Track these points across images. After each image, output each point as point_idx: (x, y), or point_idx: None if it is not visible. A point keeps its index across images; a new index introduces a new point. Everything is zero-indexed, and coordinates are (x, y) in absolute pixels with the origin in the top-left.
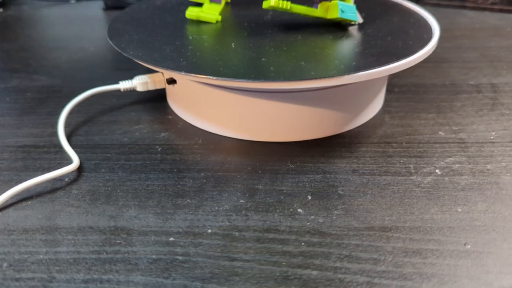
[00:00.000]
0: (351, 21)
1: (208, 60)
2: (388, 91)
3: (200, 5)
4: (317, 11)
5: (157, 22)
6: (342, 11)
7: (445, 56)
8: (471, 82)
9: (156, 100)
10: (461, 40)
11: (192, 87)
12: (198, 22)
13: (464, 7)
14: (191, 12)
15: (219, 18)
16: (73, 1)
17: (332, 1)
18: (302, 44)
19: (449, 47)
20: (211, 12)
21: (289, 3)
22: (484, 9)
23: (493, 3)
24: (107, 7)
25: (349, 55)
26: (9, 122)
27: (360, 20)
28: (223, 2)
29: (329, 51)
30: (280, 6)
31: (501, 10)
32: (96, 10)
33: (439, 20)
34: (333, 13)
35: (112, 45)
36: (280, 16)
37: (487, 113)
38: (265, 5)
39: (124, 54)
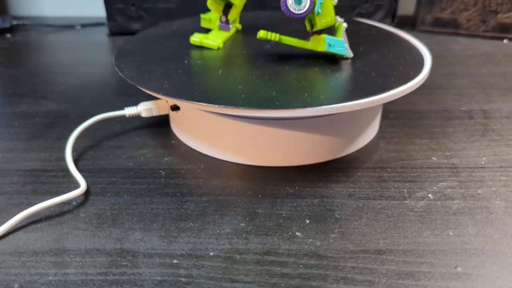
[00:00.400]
0: (341, 55)
1: (207, 88)
2: (384, 117)
3: (210, 30)
4: (308, 44)
5: (164, 49)
6: (330, 45)
7: (439, 82)
8: (464, 108)
9: (160, 125)
10: (454, 67)
11: (195, 114)
12: (202, 48)
13: (457, 34)
14: (195, 38)
15: (221, 45)
16: (78, 27)
17: (321, 35)
18: (284, 75)
19: (443, 73)
20: (214, 39)
21: (277, 35)
22: (476, 36)
23: (485, 31)
24: (112, 33)
25: (324, 88)
26: (18, 146)
27: (350, 54)
28: (232, 30)
29: (306, 82)
30: (269, 37)
31: (492, 37)
32: (101, 36)
33: (433, 46)
34: (321, 47)
35: (118, 72)
36: (279, 46)
37: (479, 138)
38: (258, 35)
39: (129, 81)
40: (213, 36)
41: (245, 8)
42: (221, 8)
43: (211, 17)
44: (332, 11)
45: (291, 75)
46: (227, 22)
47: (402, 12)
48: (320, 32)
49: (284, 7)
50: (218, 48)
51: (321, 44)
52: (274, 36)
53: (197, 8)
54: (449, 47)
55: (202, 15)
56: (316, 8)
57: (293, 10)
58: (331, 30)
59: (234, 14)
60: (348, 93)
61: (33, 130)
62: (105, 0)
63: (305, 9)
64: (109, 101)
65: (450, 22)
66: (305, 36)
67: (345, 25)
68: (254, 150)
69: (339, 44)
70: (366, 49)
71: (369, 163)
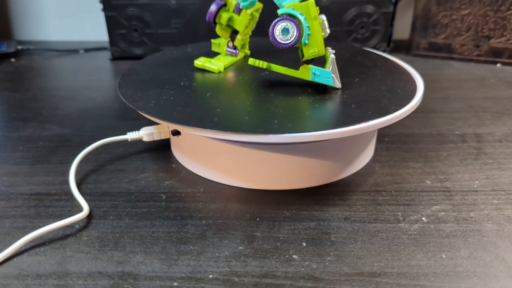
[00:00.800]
0: (327, 85)
1: (205, 113)
2: (379, 141)
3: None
4: (297, 72)
5: (166, 74)
6: (315, 75)
7: (433, 106)
8: (457, 132)
9: (161, 149)
10: (448, 91)
11: (195, 138)
12: (204, 72)
13: (452, 58)
14: (199, 62)
15: (222, 69)
16: (82, 51)
17: (308, 65)
18: (267, 101)
19: (437, 97)
20: (216, 63)
21: (266, 63)
22: (470, 60)
23: (478, 55)
24: (114, 58)
25: (297, 116)
26: (22, 170)
27: (337, 85)
28: (240, 55)
29: (283, 110)
30: (257, 65)
31: (486, 61)
32: (103, 60)
33: (428, 70)
34: (307, 76)
35: (121, 97)
36: (275, 73)
37: (472, 162)
38: (248, 62)
39: (131, 106)
40: (218, 60)
41: (257, 34)
42: (228, 34)
43: (220, 42)
44: (321, 43)
45: (272, 102)
46: (234, 47)
47: (398, 37)
48: (310, 61)
49: (272, 37)
50: (219, 72)
51: (307, 73)
52: (262, 64)
53: (197, 34)
54: (443, 71)
55: (212, 40)
56: (302, 39)
57: (279, 40)
58: (324, 60)
59: (239, 40)
60: (339, 120)
61: (37, 154)
62: (108, 26)
63: (291, 40)
64: (112, 125)
65: (444, 46)
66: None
67: (333, 56)
68: (252, 174)
69: (325, 75)
70: (359, 74)
71: (365, 186)
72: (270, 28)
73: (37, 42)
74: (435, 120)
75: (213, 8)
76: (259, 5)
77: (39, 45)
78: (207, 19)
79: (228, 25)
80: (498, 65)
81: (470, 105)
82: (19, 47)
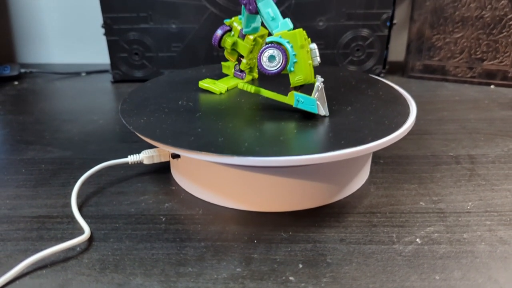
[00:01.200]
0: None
1: (203, 137)
2: (374, 163)
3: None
4: (285, 98)
5: (167, 97)
6: (298, 101)
7: (427, 128)
8: (451, 154)
9: (161, 171)
10: (442, 113)
11: (194, 162)
12: (206, 93)
13: (446, 80)
14: (204, 83)
15: (223, 91)
16: (83, 74)
17: (292, 91)
18: (263, 125)
19: (431, 119)
20: (219, 85)
21: (253, 87)
22: (464, 81)
23: (472, 77)
24: (115, 80)
25: (295, 139)
26: (25, 193)
27: (321, 112)
28: (247, 78)
29: (279, 133)
30: (245, 89)
31: (479, 83)
32: (105, 83)
33: (422, 92)
34: (291, 102)
35: (123, 121)
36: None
37: (465, 183)
38: (238, 86)
39: (132, 129)
40: (223, 82)
41: None
42: (234, 57)
43: (229, 65)
44: (308, 70)
45: (253, 126)
46: (240, 70)
47: (394, 58)
48: (299, 88)
49: (259, 63)
50: (220, 93)
51: (291, 99)
52: (250, 88)
53: (197, 57)
54: (437, 92)
55: (222, 63)
56: (288, 66)
57: (266, 67)
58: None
59: (244, 64)
60: (333, 143)
61: (39, 177)
62: (110, 49)
63: (277, 67)
64: (113, 147)
65: (438, 68)
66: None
67: (318, 84)
68: (250, 196)
69: (310, 102)
70: (353, 97)
71: (360, 208)
72: (258, 55)
73: (39, 65)
74: (430, 141)
75: (218, 32)
76: (264, 31)
77: (41, 68)
78: (212, 42)
79: (233, 49)
80: (492, 86)
81: (464, 126)
82: (22, 70)
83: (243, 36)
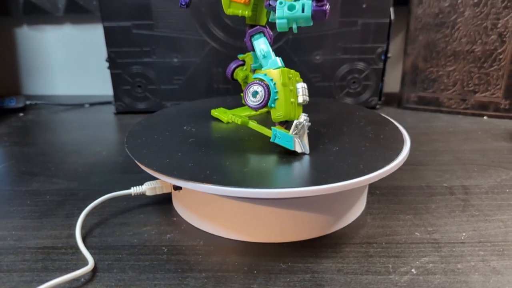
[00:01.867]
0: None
1: (204, 169)
2: (371, 193)
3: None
4: (268, 131)
5: (176, 127)
6: (276, 136)
7: (422, 159)
8: (445, 184)
9: (163, 202)
10: (437, 144)
11: (195, 193)
12: (211, 124)
13: (440, 111)
14: (215, 111)
15: (230, 120)
16: (87, 105)
17: (276, 126)
18: (263, 156)
19: (426, 150)
20: (227, 116)
21: (241, 119)
22: (458, 113)
23: (465, 108)
24: (118, 112)
25: (268, 173)
26: (30, 224)
27: (298, 150)
28: (261, 110)
29: (277, 165)
30: (231, 121)
31: (473, 114)
32: (108, 114)
33: (417, 123)
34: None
35: (129, 154)
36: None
37: (459, 214)
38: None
39: (136, 161)
40: (236, 112)
41: None
42: None
43: None
44: (289, 108)
45: (237, 158)
46: None
47: (389, 90)
48: (284, 123)
49: (244, 97)
50: (228, 122)
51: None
52: (238, 120)
53: (198, 89)
54: (432, 123)
55: (241, 94)
56: (269, 103)
57: (250, 101)
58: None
59: None
60: (329, 176)
61: (44, 208)
62: (113, 82)
63: (260, 102)
64: (116, 179)
65: (432, 100)
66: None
67: (297, 122)
68: (250, 228)
69: (286, 138)
70: (347, 130)
71: (357, 238)
72: (245, 89)
73: (44, 97)
74: (424, 172)
75: (232, 65)
76: None
77: (46, 100)
78: (226, 74)
79: (245, 82)
80: (485, 117)
81: (458, 157)
82: (28, 102)
83: (253, 71)
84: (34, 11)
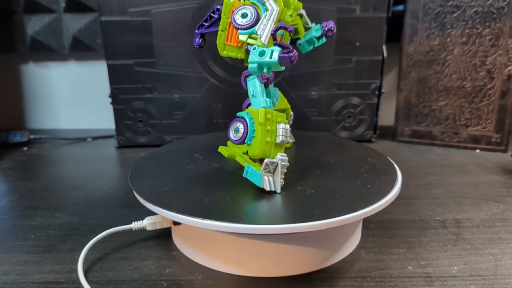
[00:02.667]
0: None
1: (205, 205)
2: (365, 227)
3: None
4: (257, 166)
5: (180, 162)
6: (247, 172)
7: (416, 192)
8: (438, 218)
9: (163, 237)
10: (430, 177)
11: (193, 229)
12: (214, 159)
13: (434, 145)
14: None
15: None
16: (89, 139)
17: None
18: (262, 192)
19: (419, 183)
20: (235, 150)
21: (228, 152)
22: (451, 146)
23: (458, 141)
24: (120, 146)
25: (265, 209)
26: (33, 259)
27: (267, 188)
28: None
29: (257, 201)
30: (221, 152)
31: (465, 147)
32: (110, 148)
33: (411, 156)
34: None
35: (133, 190)
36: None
37: (451, 248)
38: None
39: (139, 197)
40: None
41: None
42: None
43: None
44: (263, 147)
45: (223, 192)
46: None
47: (384, 123)
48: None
49: (228, 131)
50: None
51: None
52: (224, 152)
53: (198, 124)
54: (426, 157)
55: None
56: (246, 140)
57: (231, 136)
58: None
59: None
60: (325, 211)
61: (47, 242)
62: (116, 117)
63: (239, 138)
64: (117, 213)
65: (426, 134)
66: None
67: (267, 160)
68: (247, 262)
69: (256, 175)
70: (340, 166)
71: (351, 272)
72: (229, 125)
73: (48, 131)
74: (418, 206)
75: (247, 102)
76: (285, 106)
77: (49, 134)
78: (242, 108)
79: None
80: (477, 151)
81: (450, 190)
82: (32, 136)
83: None
84: (41, 49)
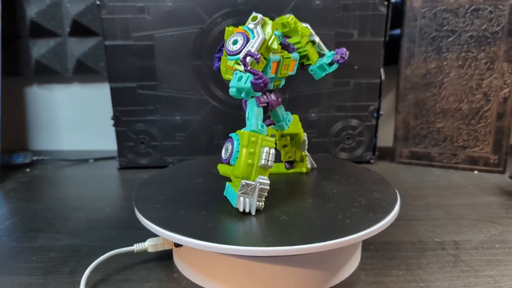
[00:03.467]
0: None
1: (206, 227)
2: (365, 249)
3: None
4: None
5: (183, 184)
6: (227, 190)
7: (415, 214)
8: (437, 239)
9: (164, 258)
10: (428, 198)
11: (194, 251)
12: (217, 181)
13: (432, 166)
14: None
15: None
16: (91, 161)
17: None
18: (262, 213)
19: (418, 205)
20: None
21: (222, 169)
22: (449, 167)
23: (456, 162)
24: (121, 167)
25: (265, 231)
26: (35, 281)
27: (240, 208)
28: (298, 169)
29: (258, 223)
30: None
31: (463, 169)
32: (111, 169)
33: (410, 178)
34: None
35: (137, 212)
36: (283, 182)
37: (450, 270)
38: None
39: (143, 218)
40: None
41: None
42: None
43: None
44: (243, 168)
45: (275, 213)
46: (287, 162)
47: (383, 144)
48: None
49: (222, 150)
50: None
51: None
52: (222, 172)
53: (199, 146)
54: (425, 178)
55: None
56: (231, 160)
57: (222, 155)
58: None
59: (283, 156)
60: (323, 234)
61: (49, 264)
62: (118, 139)
63: (226, 158)
64: (119, 234)
65: (424, 155)
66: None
67: (244, 182)
68: (247, 284)
69: (233, 195)
70: (339, 187)
71: None
72: (224, 143)
73: (51, 152)
74: (416, 227)
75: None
76: (297, 130)
77: (52, 155)
78: None
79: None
80: (475, 172)
81: (449, 212)
82: (34, 157)
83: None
84: (45, 72)
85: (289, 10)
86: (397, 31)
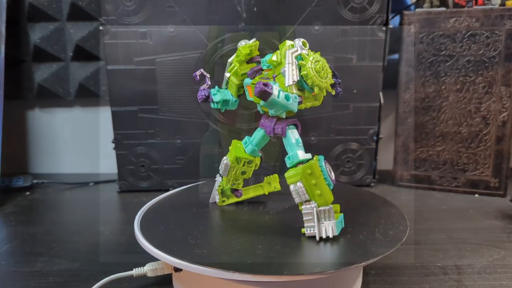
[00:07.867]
0: None
1: (206, 252)
2: (366, 273)
3: None
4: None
5: (185, 208)
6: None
7: (416, 238)
8: (439, 264)
9: (163, 283)
10: (430, 222)
11: (193, 275)
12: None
13: (433, 189)
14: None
15: (221, 203)
16: (91, 184)
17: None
18: (255, 240)
19: (420, 229)
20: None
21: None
22: (450, 190)
23: (456, 186)
24: (122, 190)
25: (267, 258)
26: None
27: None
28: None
29: (260, 249)
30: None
31: (464, 192)
32: (112, 193)
33: (411, 201)
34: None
35: (141, 236)
36: (277, 211)
37: None
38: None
39: (142, 240)
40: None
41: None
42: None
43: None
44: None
45: (271, 242)
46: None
47: (383, 167)
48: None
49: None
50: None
51: None
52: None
53: (198, 169)
54: (426, 201)
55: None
56: None
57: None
58: None
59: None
60: (331, 261)
61: None
62: (118, 162)
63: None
64: (118, 259)
65: (425, 178)
66: None
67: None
68: None
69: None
70: (347, 213)
71: None
72: None
73: (51, 175)
74: (418, 252)
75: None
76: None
77: (52, 178)
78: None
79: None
80: (476, 195)
81: (450, 236)
82: (34, 181)
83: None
84: (47, 96)
85: (289, 35)
86: (396, 56)
